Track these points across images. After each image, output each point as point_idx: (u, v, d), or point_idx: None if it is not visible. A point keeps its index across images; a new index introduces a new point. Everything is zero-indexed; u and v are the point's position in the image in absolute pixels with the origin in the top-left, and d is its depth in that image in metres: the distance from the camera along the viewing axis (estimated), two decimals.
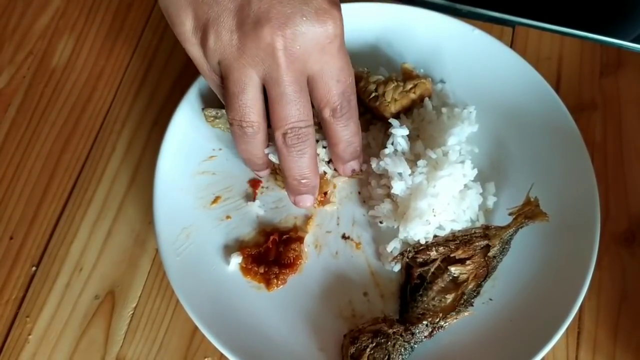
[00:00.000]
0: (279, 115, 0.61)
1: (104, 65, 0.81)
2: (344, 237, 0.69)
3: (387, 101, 0.71)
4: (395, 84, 0.72)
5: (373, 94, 0.72)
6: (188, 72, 0.79)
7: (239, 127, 0.63)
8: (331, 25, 0.58)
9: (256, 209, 0.70)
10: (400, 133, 0.69)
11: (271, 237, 0.68)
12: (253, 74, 0.59)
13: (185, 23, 0.59)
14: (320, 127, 0.67)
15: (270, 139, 0.65)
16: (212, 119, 0.71)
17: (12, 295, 0.68)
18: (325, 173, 0.70)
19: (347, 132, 0.65)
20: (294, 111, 0.61)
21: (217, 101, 0.71)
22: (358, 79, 0.74)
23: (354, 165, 0.69)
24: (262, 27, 0.56)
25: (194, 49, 0.60)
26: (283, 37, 0.57)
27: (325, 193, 0.70)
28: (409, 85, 0.72)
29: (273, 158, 0.67)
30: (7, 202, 0.73)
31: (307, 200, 0.68)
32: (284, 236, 0.68)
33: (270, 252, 0.67)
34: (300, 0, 0.57)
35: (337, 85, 0.62)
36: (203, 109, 0.71)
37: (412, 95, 0.72)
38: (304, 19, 0.57)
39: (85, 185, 0.74)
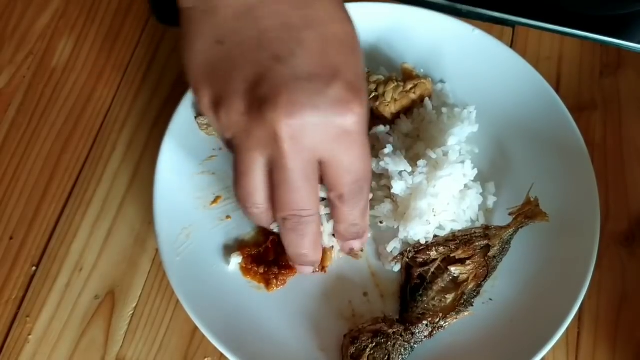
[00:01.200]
0: (280, 200, 0.57)
1: (104, 65, 0.81)
2: None
3: (387, 101, 0.71)
4: (395, 84, 0.72)
5: (373, 94, 0.72)
6: None
7: (243, 206, 0.60)
8: (349, 118, 0.53)
9: None
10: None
11: (271, 237, 0.68)
12: (259, 157, 0.55)
13: (203, 99, 0.56)
14: None
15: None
16: (205, 126, 0.71)
17: (12, 295, 0.68)
18: (332, 247, 0.67)
19: (352, 215, 0.61)
20: (296, 199, 0.56)
21: None
22: None
23: (354, 244, 0.66)
24: (267, 113, 0.51)
25: (212, 121, 0.57)
26: (289, 126, 0.51)
27: (323, 267, 0.67)
28: (409, 86, 0.72)
29: (278, 230, 0.64)
30: (7, 202, 0.73)
31: (307, 270, 0.66)
32: None
33: (269, 252, 0.67)
34: (316, 88, 0.52)
35: (348, 176, 0.57)
36: (196, 117, 0.71)
37: (412, 96, 0.72)
38: (315, 110, 0.51)
39: (85, 185, 0.74)
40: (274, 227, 0.64)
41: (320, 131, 0.53)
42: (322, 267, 0.67)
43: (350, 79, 0.53)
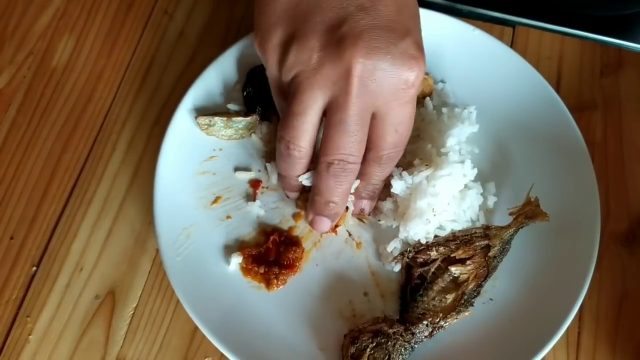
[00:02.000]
0: (331, 143, 0.59)
1: (105, 65, 0.81)
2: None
3: None
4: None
5: None
6: (188, 72, 0.79)
7: (285, 147, 0.61)
8: (413, 72, 0.58)
9: (257, 209, 0.70)
10: None
11: (271, 237, 0.68)
12: (319, 97, 0.58)
13: (273, 38, 0.59)
14: None
15: (310, 165, 0.64)
16: (205, 127, 0.71)
17: (12, 295, 0.68)
18: (347, 208, 0.68)
19: (377, 175, 0.65)
20: (347, 143, 0.59)
21: (209, 108, 0.72)
22: None
23: (365, 205, 0.68)
24: (346, 49, 0.56)
25: (272, 62, 0.60)
26: (363, 65, 0.56)
27: (337, 225, 0.69)
28: None
29: (307, 182, 0.65)
30: (8, 202, 0.73)
31: (325, 224, 0.66)
32: (283, 236, 0.69)
33: (270, 252, 0.67)
34: (391, 38, 0.57)
35: (393, 135, 0.61)
36: (196, 117, 0.71)
37: None
38: (389, 56, 0.56)
39: (86, 186, 0.74)
40: (304, 180, 0.65)
41: (387, 78, 0.57)
42: (335, 226, 0.68)
43: (417, 40, 0.59)
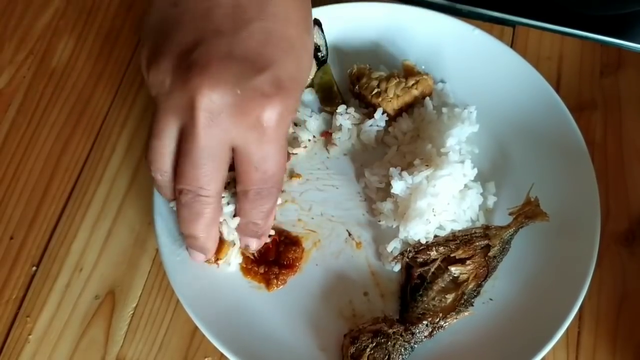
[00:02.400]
0: (180, 171, 0.55)
1: (104, 66, 0.81)
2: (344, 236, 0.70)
3: (389, 97, 0.72)
4: (397, 80, 0.72)
5: (375, 90, 0.72)
6: None
7: (149, 169, 0.58)
8: (265, 112, 0.53)
9: None
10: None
11: (271, 237, 0.67)
12: (172, 123, 0.54)
13: (142, 53, 0.56)
14: None
15: None
16: None
17: (12, 295, 0.68)
18: (232, 241, 0.64)
19: (252, 213, 0.60)
20: (196, 175, 0.55)
21: None
22: (360, 75, 0.74)
23: (250, 243, 0.64)
24: (192, 78, 0.52)
25: (145, 78, 0.57)
26: (208, 97, 0.52)
27: (218, 258, 0.65)
28: (411, 82, 0.72)
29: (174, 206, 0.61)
30: (7, 202, 0.73)
31: (197, 257, 0.63)
32: (283, 236, 0.68)
33: (270, 252, 0.67)
34: (244, 72, 0.52)
35: (255, 173, 0.56)
36: None
37: (414, 92, 0.72)
38: (238, 91, 0.52)
39: (86, 186, 0.74)
40: (172, 205, 0.61)
41: (237, 115, 0.53)
42: (216, 259, 0.65)
43: (280, 76, 0.54)
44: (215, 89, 0.52)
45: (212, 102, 0.52)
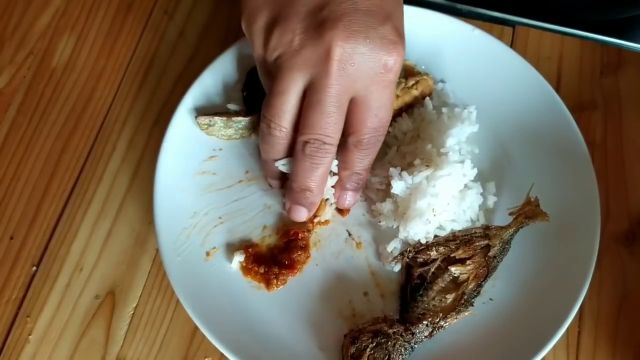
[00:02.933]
0: (308, 122, 0.60)
1: (105, 65, 0.81)
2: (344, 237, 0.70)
3: None
4: (397, 80, 0.72)
5: None
6: (188, 72, 0.79)
7: (267, 126, 0.62)
8: (392, 57, 0.59)
9: (258, 208, 0.70)
10: None
11: (292, 231, 0.68)
12: (300, 79, 0.59)
13: (259, 21, 0.60)
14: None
15: (290, 150, 0.64)
16: (205, 126, 0.71)
17: (12, 295, 0.68)
18: (327, 199, 0.68)
19: (361, 164, 0.65)
20: (324, 123, 0.60)
21: (209, 108, 0.72)
22: None
23: (350, 197, 0.68)
24: (325, 32, 0.57)
25: (258, 43, 0.61)
26: (342, 48, 0.57)
27: (315, 216, 0.68)
28: (411, 82, 0.72)
29: (284, 168, 0.66)
30: (8, 202, 0.73)
31: (301, 213, 0.66)
32: (301, 236, 0.69)
33: (276, 249, 0.68)
34: (371, 22, 0.58)
35: (373, 119, 0.61)
36: (196, 117, 0.71)
37: (414, 92, 0.72)
38: (368, 40, 0.57)
39: (86, 185, 0.74)
40: (281, 165, 0.65)
41: (366, 62, 0.58)
42: (314, 216, 0.68)
43: (398, 25, 0.60)
44: (348, 39, 0.57)
45: (345, 52, 0.57)
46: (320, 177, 0.64)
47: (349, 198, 0.68)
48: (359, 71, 0.58)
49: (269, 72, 0.62)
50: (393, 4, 0.60)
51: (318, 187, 0.64)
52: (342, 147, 0.64)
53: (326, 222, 0.70)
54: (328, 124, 0.60)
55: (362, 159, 0.65)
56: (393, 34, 0.58)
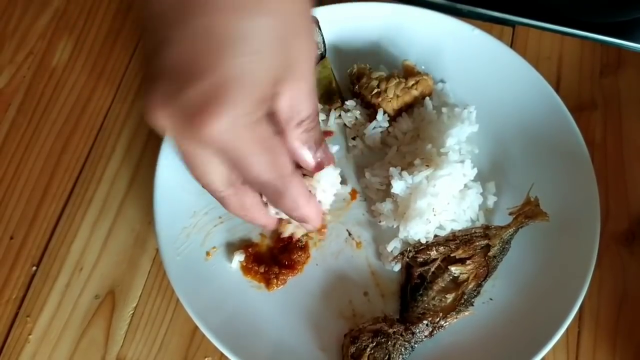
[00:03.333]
0: (246, 180, 0.54)
1: (104, 65, 0.81)
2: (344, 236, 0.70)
3: (389, 97, 0.72)
4: (397, 80, 0.72)
5: (375, 90, 0.72)
6: None
7: (224, 206, 0.59)
8: (207, 126, 0.46)
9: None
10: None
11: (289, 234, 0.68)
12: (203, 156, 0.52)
13: None
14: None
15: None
16: None
17: (12, 295, 0.68)
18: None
19: (303, 138, 0.55)
20: (258, 170, 0.52)
21: None
22: (360, 75, 0.74)
23: (306, 154, 0.57)
24: (157, 124, 0.48)
25: None
26: (171, 131, 0.49)
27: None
28: (411, 82, 0.72)
29: (277, 215, 0.63)
30: (8, 202, 0.73)
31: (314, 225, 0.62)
32: (298, 239, 0.68)
33: (276, 249, 0.68)
34: (176, 89, 0.46)
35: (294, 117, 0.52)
36: None
37: (414, 92, 0.72)
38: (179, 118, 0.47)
39: (86, 185, 0.74)
40: (274, 213, 0.62)
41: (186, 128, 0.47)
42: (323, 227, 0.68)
43: (218, 81, 0.46)
44: (164, 121, 0.47)
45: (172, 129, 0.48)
46: (305, 203, 0.57)
47: (308, 155, 0.57)
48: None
49: None
50: (215, 52, 0.45)
51: (310, 211, 0.59)
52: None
53: (322, 228, 0.68)
54: (263, 167, 0.51)
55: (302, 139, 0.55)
56: (203, 97, 0.45)
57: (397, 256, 0.67)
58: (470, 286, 0.64)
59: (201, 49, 0.45)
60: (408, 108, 0.74)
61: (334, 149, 0.70)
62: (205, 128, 0.46)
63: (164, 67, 0.46)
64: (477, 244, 0.66)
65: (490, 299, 0.66)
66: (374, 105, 0.72)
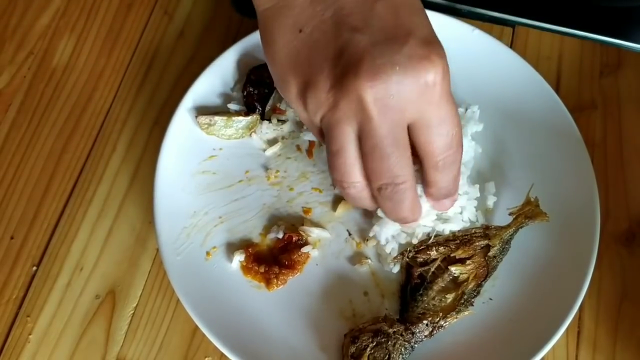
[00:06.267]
0: (371, 170, 0.57)
1: (105, 65, 0.81)
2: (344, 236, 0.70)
3: None
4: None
5: None
6: (188, 72, 0.79)
7: (341, 187, 0.60)
8: (430, 72, 0.54)
9: (260, 207, 0.70)
10: None
11: (287, 234, 0.68)
12: (349, 130, 0.56)
13: (291, 90, 0.58)
14: None
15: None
16: (205, 126, 0.71)
17: (12, 295, 0.69)
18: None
19: (442, 181, 0.60)
20: (387, 167, 0.56)
21: (210, 108, 0.72)
22: None
23: (445, 203, 0.64)
24: (350, 81, 0.53)
25: (300, 110, 0.59)
26: (372, 88, 0.53)
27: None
28: None
29: (381, 213, 0.64)
30: (8, 201, 0.73)
31: (445, 204, 0.64)
32: (297, 238, 0.68)
33: (276, 249, 0.68)
34: (394, 48, 0.53)
35: (438, 140, 0.57)
36: (196, 117, 0.71)
37: None
38: (397, 67, 0.53)
39: (86, 185, 0.74)
40: (379, 212, 0.64)
41: (404, 89, 0.53)
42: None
43: (425, 34, 0.55)
44: (375, 77, 0.53)
45: (378, 90, 0.53)
46: (409, 207, 0.60)
47: (446, 203, 0.64)
48: (401, 100, 0.54)
49: (321, 132, 0.59)
50: (409, 14, 0.56)
51: (411, 213, 0.61)
52: (422, 165, 0.60)
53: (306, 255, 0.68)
54: (392, 166, 0.56)
55: (443, 178, 0.60)
56: (421, 48, 0.54)
57: (397, 256, 0.67)
58: (470, 286, 0.64)
59: (398, 17, 0.55)
60: None
61: None
62: (428, 72, 0.53)
63: (376, 41, 0.54)
64: (477, 244, 0.66)
65: (490, 299, 0.66)
66: None
